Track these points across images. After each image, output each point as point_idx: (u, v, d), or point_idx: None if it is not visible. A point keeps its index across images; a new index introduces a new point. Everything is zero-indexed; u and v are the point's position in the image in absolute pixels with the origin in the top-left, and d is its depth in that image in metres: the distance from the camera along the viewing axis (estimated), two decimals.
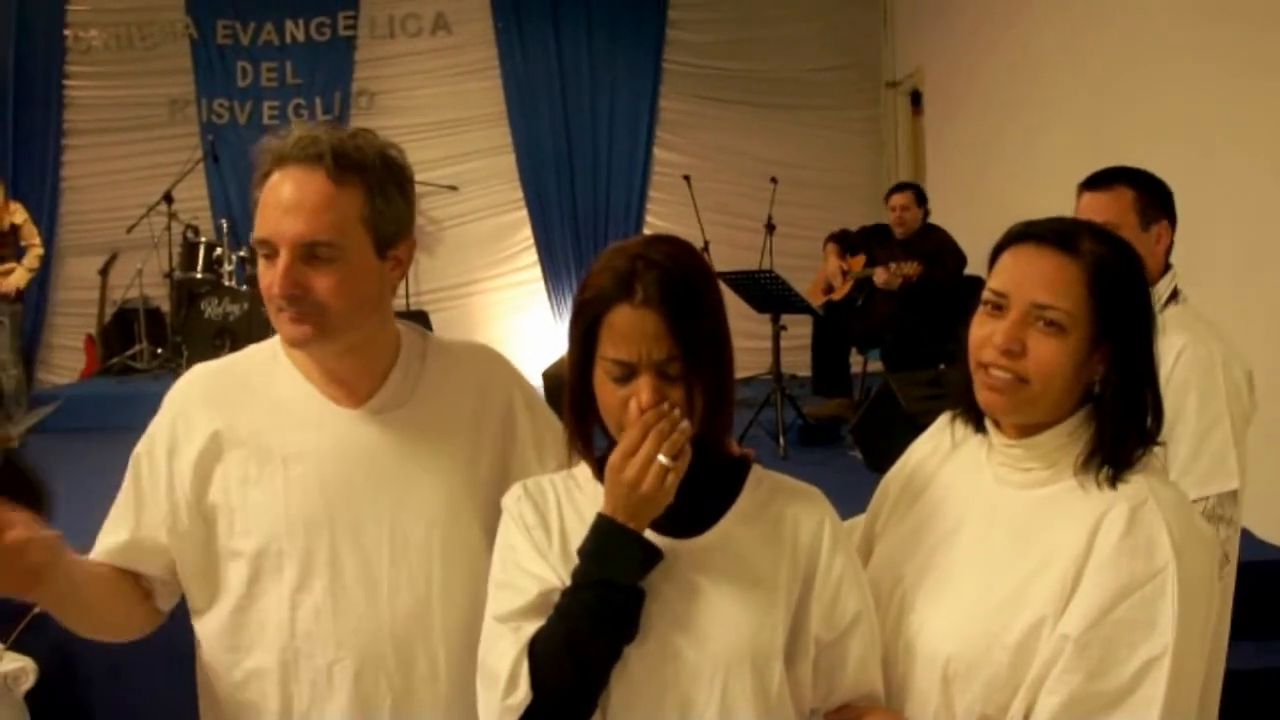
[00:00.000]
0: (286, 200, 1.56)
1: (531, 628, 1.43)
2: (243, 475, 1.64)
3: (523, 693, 1.40)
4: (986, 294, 1.54)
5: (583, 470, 1.57)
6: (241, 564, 1.64)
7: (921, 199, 6.69)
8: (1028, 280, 1.49)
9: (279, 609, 1.63)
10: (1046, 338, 1.47)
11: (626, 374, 1.38)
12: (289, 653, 1.62)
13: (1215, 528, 2.35)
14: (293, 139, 1.59)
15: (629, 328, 1.37)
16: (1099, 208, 2.52)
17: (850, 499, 1.83)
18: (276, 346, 1.73)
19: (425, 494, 1.67)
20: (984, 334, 1.53)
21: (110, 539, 1.70)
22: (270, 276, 1.58)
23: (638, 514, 1.39)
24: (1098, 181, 2.65)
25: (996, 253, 1.55)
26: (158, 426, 1.70)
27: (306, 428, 1.66)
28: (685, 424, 1.38)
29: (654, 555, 1.40)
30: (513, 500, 1.56)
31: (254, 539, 1.63)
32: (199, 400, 1.69)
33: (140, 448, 1.71)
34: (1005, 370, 1.50)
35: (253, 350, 1.77)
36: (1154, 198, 2.62)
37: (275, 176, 1.58)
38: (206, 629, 1.69)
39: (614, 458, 1.39)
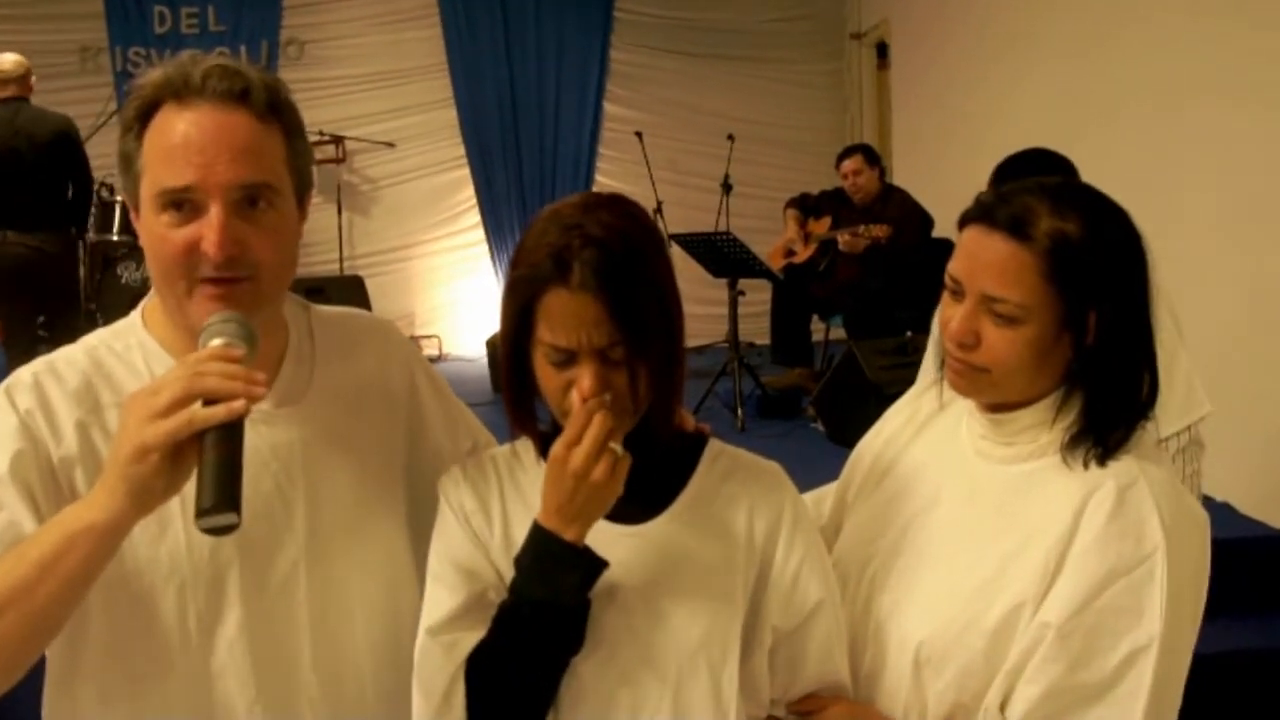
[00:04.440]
0: (211, 139, 1.36)
1: (466, 640, 1.40)
2: None
3: (456, 715, 1.39)
4: (947, 276, 1.52)
5: (526, 447, 1.54)
6: (138, 595, 1.41)
7: (873, 160, 6.66)
8: (979, 269, 1.46)
9: (185, 646, 1.42)
10: (1000, 329, 1.45)
11: (566, 359, 1.35)
12: (201, 694, 1.43)
13: (1194, 452, 2.46)
14: (204, 69, 1.38)
15: (567, 313, 1.32)
16: None
17: (811, 473, 1.84)
18: (142, 335, 1.51)
19: (340, 497, 1.53)
20: (945, 317, 1.52)
21: None
22: (185, 236, 1.36)
23: (586, 509, 1.34)
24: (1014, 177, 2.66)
25: (962, 225, 1.52)
26: None
27: None
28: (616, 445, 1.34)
29: (598, 567, 1.36)
30: (451, 485, 1.52)
31: (152, 570, 1.41)
32: (58, 395, 1.42)
33: None
34: (960, 362, 1.50)
35: (102, 339, 1.51)
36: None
37: (183, 114, 1.37)
38: (79, 676, 1.44)
39: (557, 449, 1.34)
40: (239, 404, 1.21)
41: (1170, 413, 2.38)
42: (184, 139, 1.36)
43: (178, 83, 1.38)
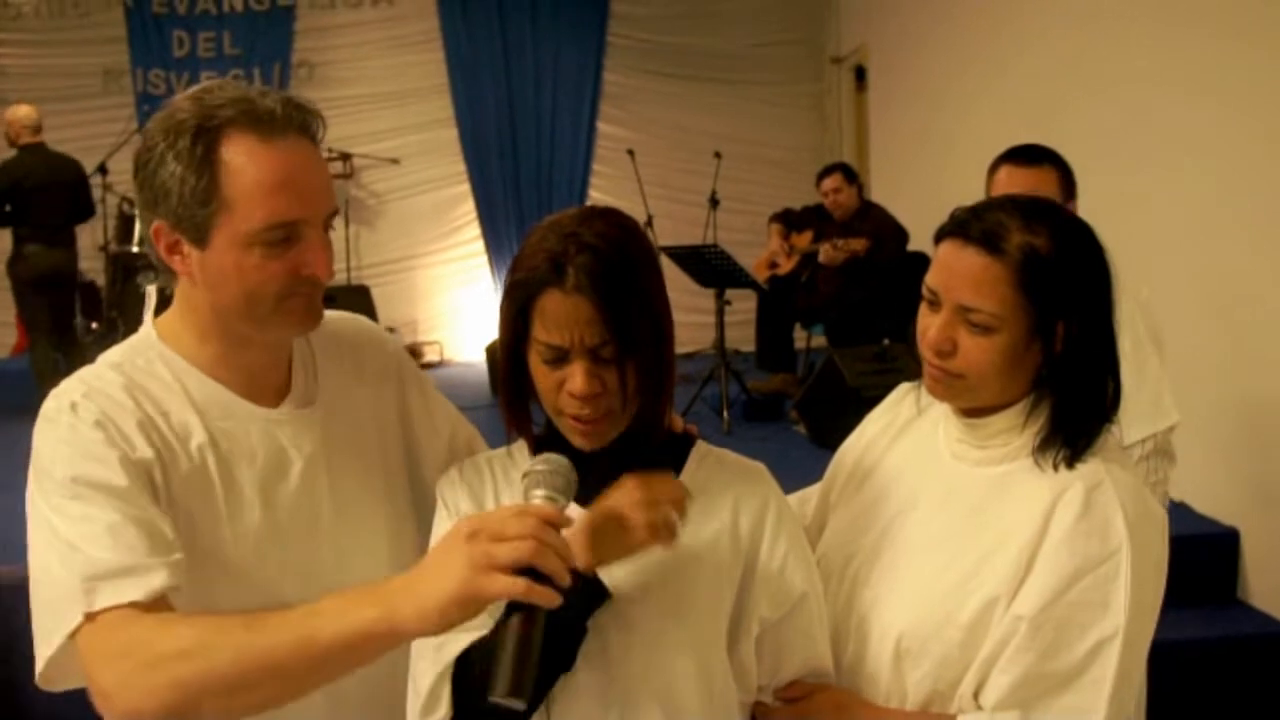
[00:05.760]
0: (310, 172, 1.39)
1: (455, 642, 1.38)
2: (184, 490, 1.40)
3: (442, 713, 1.38)
4: (924, 287, 1.53)
5: (521, 449, 1.54)
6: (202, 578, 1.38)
7: (852, 178, 6.67)
8: (955, 280, 1.47)
9: None
10: (975, 337, 1.46)
11: (559, 358, 1.36)
12: None
13: (1159, 462, 2.44)
14: (275, 101, 1.37)
15: (560, 314, 1.33)
16: (1027, 185, 2.52)
17: (795, 474, 1.84)
18: (161, 349, 1.47)
19: (356, 492, 1.55)
20: (923, 327, 1.52)
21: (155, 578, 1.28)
22: (287, 264, 1.38)
23: (608, 549, 1.34)
24: (1026, 159, 2.67)
25: (938, 239, 1.53)
26: (73, 445, 1.35)
27: (234, 438, 1.45)
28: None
29: (601, 596, 1.35)
30: (447, 485, 1.53)
31: (199, 570, 1.37)
32: (111, 406, 1.39)
33: (69, 472, 1.32)
34: (938, 369, 1.50)
35: (124, 356, 1.47)
36: (1071, 179, 2.67)
37: (271, 148, 1.35)
38: None
39: (633, 480, 1.35)
40: (558, 599, 1.18)
41: (1136, 419, 2.37)
42: (287, 174, 1.36)
43: (262, 114, 1.36)
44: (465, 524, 1.20)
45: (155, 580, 1.27)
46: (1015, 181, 2.59)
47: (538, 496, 1.26)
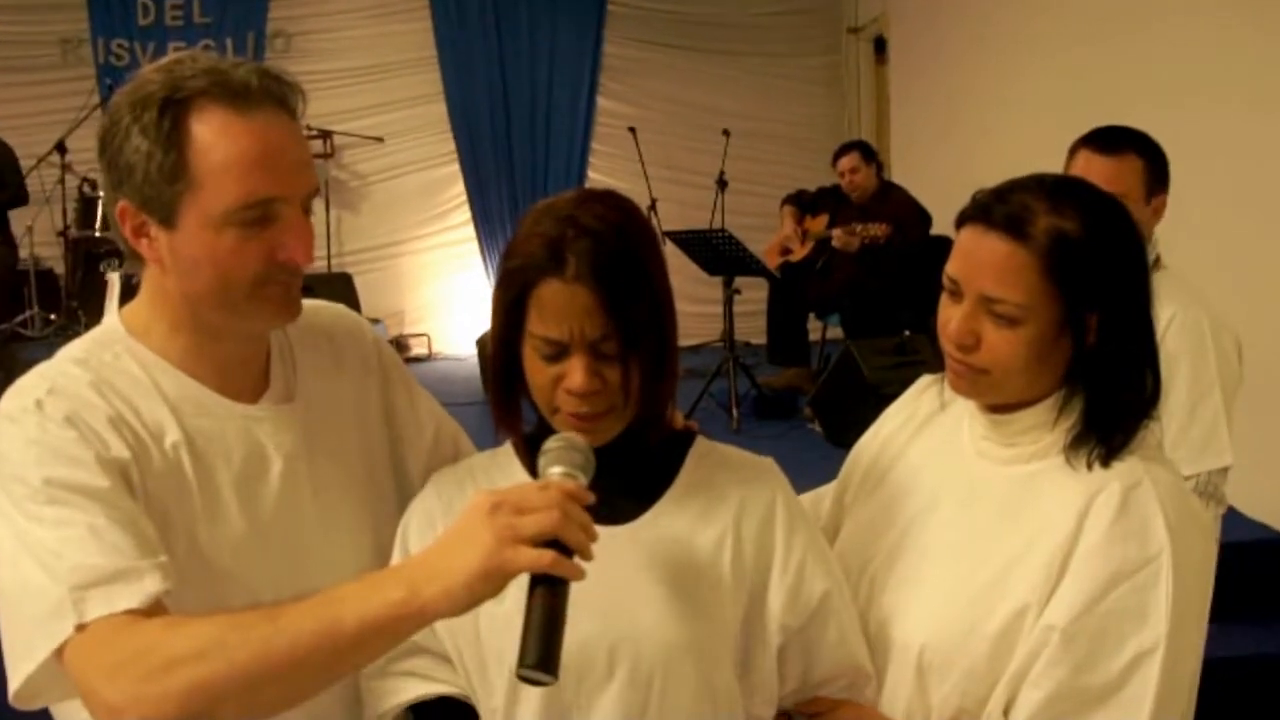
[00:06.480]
0: (287, 147, 1.38)
1: (395, 694, 1.44)
2: (159, 491, 1.39)
3: None
4: (945, 277, 1.52)
5: (507, 454, 1.55)
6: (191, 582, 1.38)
7: (870, 156, 6.66)
8: (977, 269, 1.46)
9: None
10: (1000, 329, 1.45)
11: (557, 352, 1.36)
12: None
13: (1205, 504, 2.40)
14: (247, 73, 1.37)
15: (559, 304, 1.33)
16: (1104, 176, 2.41)
17: (809, 475, 1.84)
18: (129, 344, 1.46)
19: (345, 497, 1.56)
20: (944, 319, 1.52)
21: (149, 583, 1.27)
22: (264, 246, 1.38)
23: None
24: (1105, 145, 2.59)
25: (959, 224, 1.52)
26: (45, 442, 1.33)
27: (210, 436, 1.45)
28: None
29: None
30: (416, 503, 1.55)
31: (176, 574, 1.33)
32: (79, 403, 1.37)
33: (45, 473, 1.30)
34: (960, 363, 1.50)
35: (88, 351, 1.45)
36: (1159, 167, 2.60)
37: (247, 121, 1.35)
38: None
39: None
40: (584, 572, 1.20)
41: (1186, 452, 2.34)
42: (262, 149, 1.36)
43: (236, 86, 1.36)
44: (486, 498, 1.21)
45: (149, 584, 1.26)
46: (1093, 170, 2.51)
47: (556, 473, 1.28)
